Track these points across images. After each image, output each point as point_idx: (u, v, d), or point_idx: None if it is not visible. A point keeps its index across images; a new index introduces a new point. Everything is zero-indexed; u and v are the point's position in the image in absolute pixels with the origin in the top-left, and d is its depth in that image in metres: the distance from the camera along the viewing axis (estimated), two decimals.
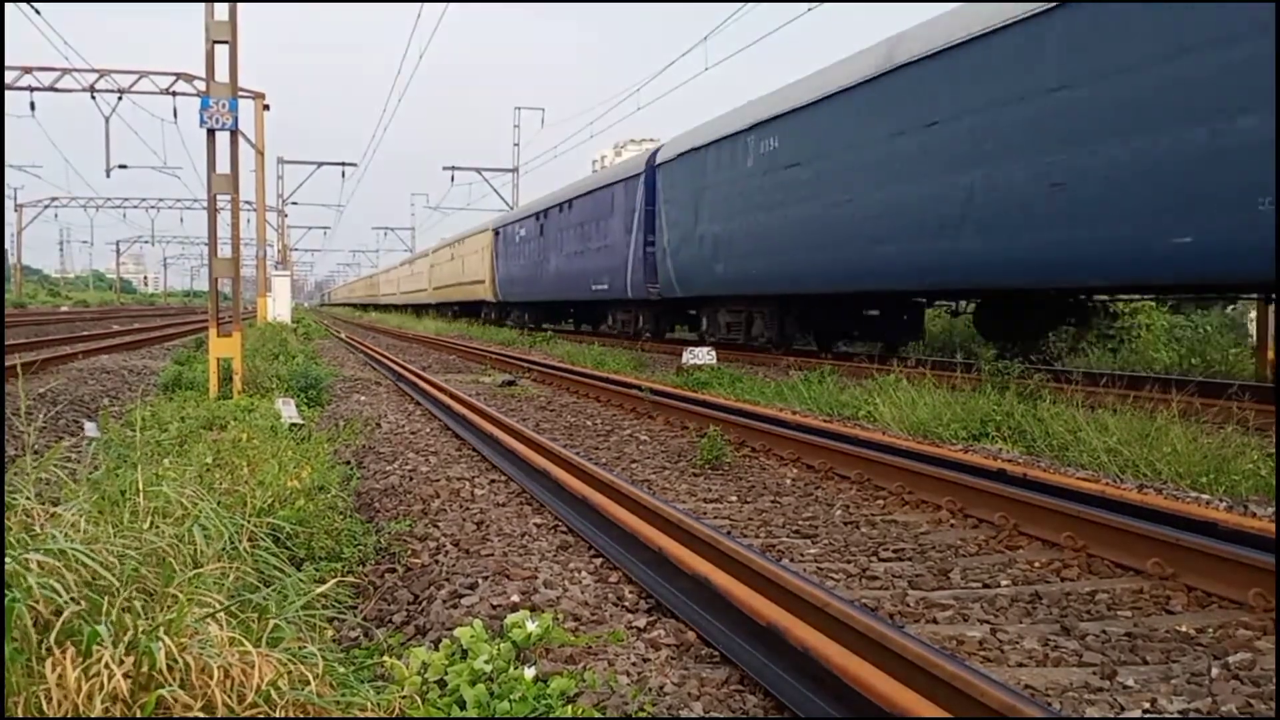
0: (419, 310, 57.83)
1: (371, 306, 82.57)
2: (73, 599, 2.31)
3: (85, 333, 24.39)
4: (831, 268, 14.39)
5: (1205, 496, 5.27)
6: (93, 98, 25.36)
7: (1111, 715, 2.84)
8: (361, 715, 2.47)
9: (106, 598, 2.36)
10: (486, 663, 2.93)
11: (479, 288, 38.82)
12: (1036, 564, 4.44)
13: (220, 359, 10.00)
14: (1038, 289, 11.76)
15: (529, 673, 2.84)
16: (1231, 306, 18.84)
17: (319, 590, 2.86)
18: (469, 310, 44.27)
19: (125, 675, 2.15)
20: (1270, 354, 12.56)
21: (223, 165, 10.03)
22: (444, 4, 19.77)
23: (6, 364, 9.81)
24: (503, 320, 37.48)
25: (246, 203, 28.11)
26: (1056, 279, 10.42)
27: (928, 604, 3.84)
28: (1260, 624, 3.55)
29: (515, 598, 3.69)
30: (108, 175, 34.08)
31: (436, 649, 3.08)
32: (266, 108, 27.06)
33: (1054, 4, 9.92)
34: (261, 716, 2.24)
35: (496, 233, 36.32)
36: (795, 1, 18.43)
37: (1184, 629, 3.55)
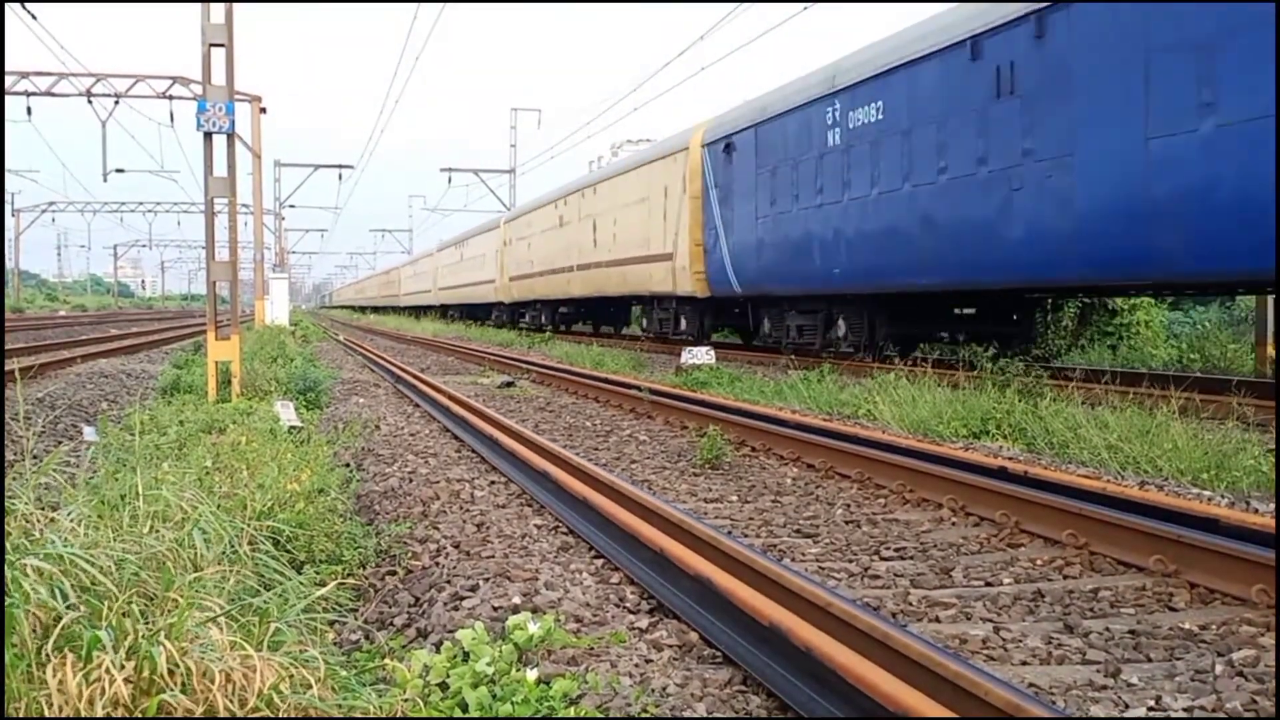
0: (475, 314, 40.70)
1: (389, 310, 66.21)
2: (71, 605, 2.30)
3: (83, 337, 24.39)
4: None
5: (1207, 493, 5.26)
6: (89, 102, 25.29)
7: (1116, 713, 2.83)
8: (364, 718, 2.45)
9: (106, 602, 2.35)
10: (488, 665, 2.91)
11: (651, 271, 20.18)
12: (1039, 562, 4.43)
13: (219, 362, 9.99)
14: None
15: (531, 675, 2.83)
16: (1229, 302, 18.85)
17: (319, 593, 2.85)
18: (594, 313, 28.90)
19: (126, 680, 2.14)
20: (1270, 349, 12.57)
21: (220, 169, 10.02)
22: (441, 4, 19.68)
23: (5, 368, 9.79)
24: (704, 331, 19.43)
25: (244, 206, 28.09)
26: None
27: (930, 603, 3.83)
28: (1264, 620, 3.54)
29: (516, 599, 3.68)
30: (105, 179, 33.93)
31: (438, 651, 3.06)
32: (263, 111, 27.03)
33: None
34: None
35: (725, 148, 16.88)
36: (790, 1, 18.29)
37: (1187, 626, 3.54)
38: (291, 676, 2.33)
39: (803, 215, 14.54)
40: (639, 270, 21.11)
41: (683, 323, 20.30)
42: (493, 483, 6.36)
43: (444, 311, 49.18)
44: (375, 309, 74.96)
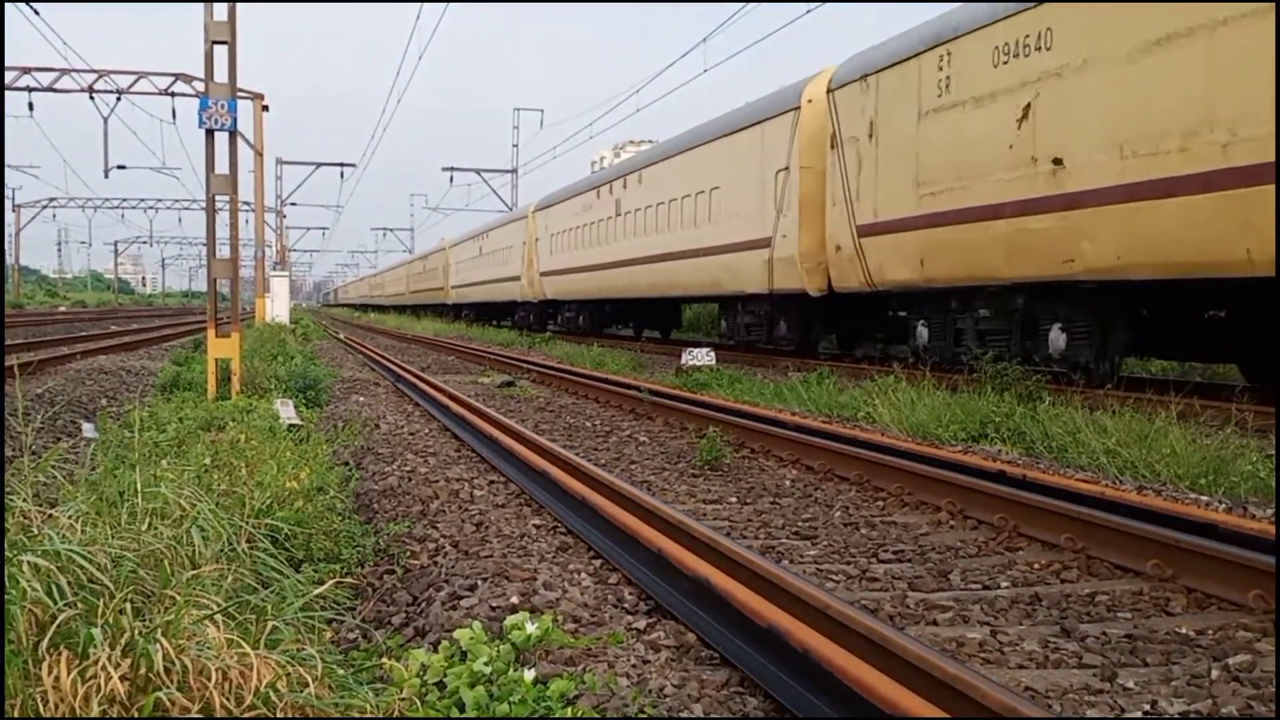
0: (619, 316, 26.52)
1: (424, 309, 49.71)
2: (68, 602, 2.30)
3: (83, 333, 24.37)
4: None
5: (1204, 498, 5.26)
6: (91, 98, 25.30)
7: (1112, 717, 2.83)
8: (360, 717, 2.46)
9: (103, 599, 2.35)
10: (486, 664, 2.92)
11: None
12: (1036, 565, 4.43)
13: (218, 360, 9.98)
14: None
15: (529, 674, 2.83)
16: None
17: (317, 591, 2.85)
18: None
19: (122, 678, 2.14)
20: None
21: (221, 166, 10.02)
22: (444, 3, 19.62)
23: (5, 364, 9.78)
24: None
25: (245, 203, 28.06)
26: None
27: (928, 605, 3.83)
28: (1260, 626, 3.54)
29: (515, 599, 3.68)
30: (106, 176, 34.05)
31: (436, 651, 3.07)
32: (265, 108, 26.99)
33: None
34: (260, 718, 2.23)
35: None
36: (795, 1, 18.21)
37: (1184, 631, 3.54)
38: (288, 675, 2.33)
39: None
40: None
41: None
42: (492, 482, 6.36)
43: (546, 315, 30.04)
44: (401, 309, 55.13)
